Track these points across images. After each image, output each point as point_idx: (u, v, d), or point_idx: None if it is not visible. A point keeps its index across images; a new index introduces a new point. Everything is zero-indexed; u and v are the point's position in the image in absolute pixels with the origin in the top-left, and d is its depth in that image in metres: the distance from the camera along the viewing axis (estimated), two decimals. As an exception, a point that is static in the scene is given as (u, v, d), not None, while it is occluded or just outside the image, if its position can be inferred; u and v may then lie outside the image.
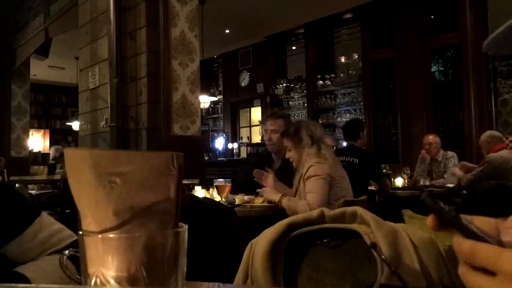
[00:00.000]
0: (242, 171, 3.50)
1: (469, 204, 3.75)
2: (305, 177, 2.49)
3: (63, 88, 12.11)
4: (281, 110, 8.40)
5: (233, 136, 9.65)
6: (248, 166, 3.33)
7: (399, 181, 4.57)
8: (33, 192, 5.49)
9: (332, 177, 2.51)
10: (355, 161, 3.68)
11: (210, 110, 9.90)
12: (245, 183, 3.11)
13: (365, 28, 6.86)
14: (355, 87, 7.27)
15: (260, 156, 3.37)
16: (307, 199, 2.42)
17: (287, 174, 2.83)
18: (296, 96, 8.28)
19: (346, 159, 3.69)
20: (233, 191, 2.91)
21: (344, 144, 4.15)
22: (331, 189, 2.50)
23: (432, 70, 6.18)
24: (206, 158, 7.41)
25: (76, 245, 0.77)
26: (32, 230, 0.76)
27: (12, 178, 5.36)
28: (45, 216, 0.80)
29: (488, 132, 4.38)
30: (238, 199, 2.73)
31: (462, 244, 0.38)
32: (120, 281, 0.40)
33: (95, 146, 4.21)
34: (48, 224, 0.79)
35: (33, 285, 0.40)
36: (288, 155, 2.71)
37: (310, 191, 2.45)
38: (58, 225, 0.81)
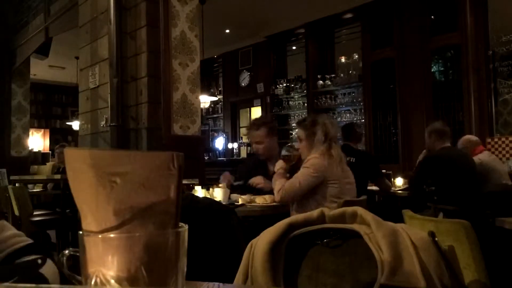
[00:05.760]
0: (240, 172, 3.48)
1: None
2: (303, 166, 2.55)
3: (63, 88, 12.12)
4: (281, 110, 8.42)
5: (233, 136, 9.65)
6: (244, 167, 3.33)
7: (399, 181, 4.57)
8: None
9: (327, 176, 2.52)
10: (351, 160, 3.70)
11: (210, 110, 9.91)
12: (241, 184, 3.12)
13: (365, 28, 6.87)
14: (355, 87, 7.27)
15: (254, 158, 3.36)
16: (288, 181, 2.50)
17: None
18: (296, 96, 8.28)
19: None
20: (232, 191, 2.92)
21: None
22: (326, 187, 2.51)
23: (432, 70, 6.18)
24: (206, 158, 7.41)
25: (31, 248, 0.81)
26: None
27: (12, 177, 5.35)
28: (5, 222, 0.88)
29: (466, 137, 4.39)
30: (242, 199, 2.73)
31: None
32: (120, 281, 0.40)
33: (95, 145, 4.21)
34: (7, 228, 0.86)
35: (32, 285, 0.40)
36: (298, 145, 2.72)
37: (295, 176, 2.52)
38: (16, 231, 0.88)
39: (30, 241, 0.86)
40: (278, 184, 2.56)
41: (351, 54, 7.37)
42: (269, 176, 2.98)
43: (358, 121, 6.96)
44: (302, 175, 2.51)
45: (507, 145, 5.44)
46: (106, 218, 0.41)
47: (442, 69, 6.23)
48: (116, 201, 0.40)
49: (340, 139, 4.47)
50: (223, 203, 2.63)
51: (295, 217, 0.77)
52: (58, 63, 9.70)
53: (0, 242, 0.82)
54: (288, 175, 2.71)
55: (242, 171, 3.29)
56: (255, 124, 3.26)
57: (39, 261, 0.67)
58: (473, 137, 4.37)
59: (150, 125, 3.77)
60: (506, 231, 2.12)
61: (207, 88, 8.41)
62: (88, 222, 0.42)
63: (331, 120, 2.78)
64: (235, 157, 8.94)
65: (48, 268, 0.72)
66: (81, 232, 0.42)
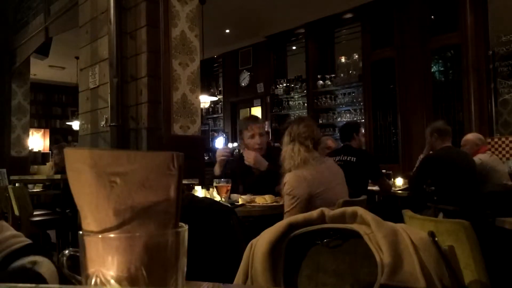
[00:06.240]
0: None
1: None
2: (283, 190, 2.47)
3: (63, 88, 12.12)
4: (281, 110, 8.43)
5: (233, 136, 9.65)
6: (229, 165, 3.32)
7: (399, 181, 4.57)
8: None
9: (311, 193, 2.41)
10: (352, 160, 3.70)
11: (210, 110, 9.91)
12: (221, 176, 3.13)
13: (365, 28, 6.87)
14: (355, 87, 7.27)
15: (238, 158, 3.36)
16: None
17: (270, 179, 2.86)
18: (296, 96, 8.28)
19: (343, 158, 3.71)
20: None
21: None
22: (315, 200, 2.42)
23: (432, 70, 6.18)
24: (206, 158, 7.41)
25: (29, 248, 0.81)
26: None
27: (12, 177, 5.35)
28: (4, 222, 0.87)
29: (476, 134, 4.41)
30: (242, 199, 2.73)
31: None
32: (120, 281, 0.40)
33: (95, 145, 4.21)
34: (6, 228, 0.86)
35: (32, 285, 0.40)
36: None
37: (285, 210, 2.43)
38: (15, 232, 0.87)
39: (28, 241, 0.86)
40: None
41: (351, 54, 7.37)
42: (252, 174, 3.07)
43: (358, 121, 6.95)
44: (290, 209, 2.41)
45: (507, 145, 5.44)
46: (106, 218, 0.41)
47: (442, 69, 6.22)
48: (116, 201, 0.41)
49: (339, 139, 4.47)
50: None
51: (295, 217, 0.77)
52: (58, 63, 9.69)
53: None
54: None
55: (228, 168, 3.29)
56: (257, 118, 3.35)
57: (29, 265, 0.67)
58: (481, 136, 4.37)
59: (150, 125, 3.77)
60: (506, 231, 2.12)
61: (207, 88, 8.41)
62: (88, 222, 0.42)
63: (301, 121, 2.61)
64: (235, 157, 8.92)
65: (46, 268, 0.72)
66: (81, 232, 0.42)
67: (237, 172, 3.14)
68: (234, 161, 3.28)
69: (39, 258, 0.76)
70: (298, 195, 2.40)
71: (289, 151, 2.48)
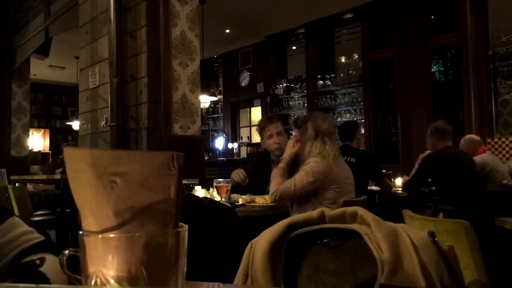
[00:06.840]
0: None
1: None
2: (302, 168, 2.53)
3: (63, 88, 12.12)
4: (281, 110, 8.43)
5: (233, 136, 9.65)
6: (248, 165, 3.32)
7: (399, 181, 4.57)
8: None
9: (326, 180, 2.48)
10: (352, 160, 3.69)
11: (210, 110, 9.91)
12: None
13: (365, 28, 6.87)
14: (355, 87, 7.28)
15: (259, 156, 3.36)
16: (284, 183, 2.48)
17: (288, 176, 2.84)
18: (296, 96, 8.29)
19: (343, 159, 3.70)
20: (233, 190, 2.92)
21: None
22: (325, 192, 2.49)
23: (432, 70, 6.18)
24: (206, 158, 7.41)
25: (43, 246, 0.79)
26: (5, 228, 0.81)
27: (12, 177, 5.35)
28: (16, 218, 0.85)
29: (470, 136, 4.41)
30: (242, 199, 2.73)
31: None
32: (120, 281, 0.40)
33: (95, 145, 4.21)
34: (19, 225, 0.84)
35: (32, 285, 0.40)
36: (292, 142, 2.72)
37: (293, 179, 2.50)
38: (27, 228, 0.85)
39: (41, 238, 0.84)
40: (274, 184, 2.55)
41: (351, 54, 7.37)
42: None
43: (358, 121, 6.95)
44: (299, 180, 2.48)
45: (507, 145, 5.44)
46: (106, 218, 0.41)
47: (442, 69, 6.23)
48: (116, 201, 0.41)
49: (338, 139, 4.45)
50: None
51: (295, 217, 0.77)
52: (58, 63, 9.69)
53: (11, 240, 0.80)
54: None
55: (247, 170, 3.27)
56: (275, 117, 3.29)
57: (37, 261, 0.67)
58: (475, 137, 4.37)
59: (150, 125, 3.76)
60: (506, 231, 2.12)
61: (207, 88, 8.42)
62: (88, 222, 0.42)
63: (324, 117, 2.72)
64: (235, 157, 8.93)
65: (50, 267, 0.72)
66: (81, 232, 0.42)
67: (258, 174, 3.13)
68: (257, 163, 3.27)
69: (49, 257, 0.74)
70: (316, 178, 2.46)
71: (319, 145, 2.53)
